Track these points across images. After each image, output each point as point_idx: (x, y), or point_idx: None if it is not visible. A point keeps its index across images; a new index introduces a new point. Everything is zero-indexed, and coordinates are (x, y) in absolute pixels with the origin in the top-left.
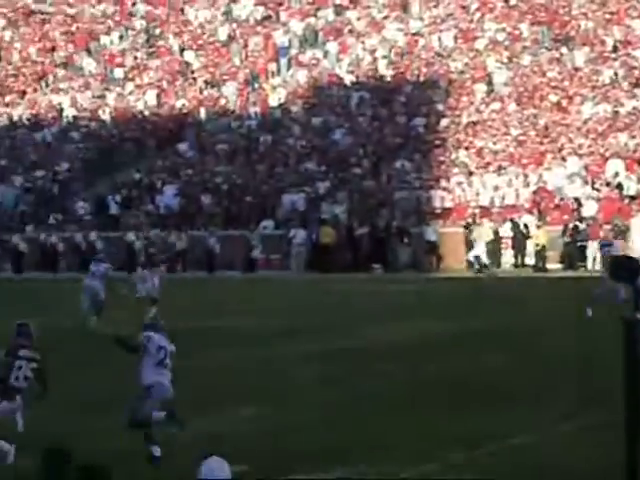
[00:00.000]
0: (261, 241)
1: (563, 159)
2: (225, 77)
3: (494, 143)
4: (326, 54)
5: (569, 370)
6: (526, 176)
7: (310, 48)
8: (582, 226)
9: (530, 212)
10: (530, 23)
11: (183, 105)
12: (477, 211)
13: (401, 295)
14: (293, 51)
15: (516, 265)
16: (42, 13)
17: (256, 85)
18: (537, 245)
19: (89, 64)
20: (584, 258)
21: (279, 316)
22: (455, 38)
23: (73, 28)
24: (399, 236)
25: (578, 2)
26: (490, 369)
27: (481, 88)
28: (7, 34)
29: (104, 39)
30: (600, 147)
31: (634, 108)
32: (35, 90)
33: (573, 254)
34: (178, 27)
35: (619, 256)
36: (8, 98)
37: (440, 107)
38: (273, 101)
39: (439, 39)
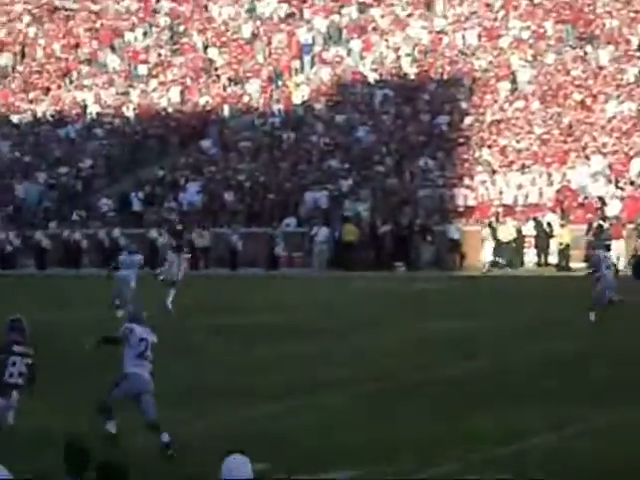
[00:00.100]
0: (284, 239)
1: (587, 158)
2: (249, 74)
3: (518, 141)
4: (350, 52)
5: (597, 366)
6: (550, 175)
7: (334, 46)
8: (606, 225)
9: (553, 211)
10: (554, 21)
11: (206, 102)
12: (500, 210)
13: (423, 293)
14: (317, 48)
15: (539, 264)
16: (66, 10)
17: (279, 82)
18: (561, 244)
19: (113, 61)
20: None
21: (299, 312)
22: (479, 36)
23: (97, 25)
24: (422, 234)
25: (603, 1)
26: (513, 367)
27: (505, 86)
28: (31, 30)
29: (128, 36)
30: (624, 146)
31: None
32: (59, 87)
33: None
34: (202, 24)
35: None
36: (32, 94)
37: (464, 105)
38: (296, 99)
39: (463, 37)
